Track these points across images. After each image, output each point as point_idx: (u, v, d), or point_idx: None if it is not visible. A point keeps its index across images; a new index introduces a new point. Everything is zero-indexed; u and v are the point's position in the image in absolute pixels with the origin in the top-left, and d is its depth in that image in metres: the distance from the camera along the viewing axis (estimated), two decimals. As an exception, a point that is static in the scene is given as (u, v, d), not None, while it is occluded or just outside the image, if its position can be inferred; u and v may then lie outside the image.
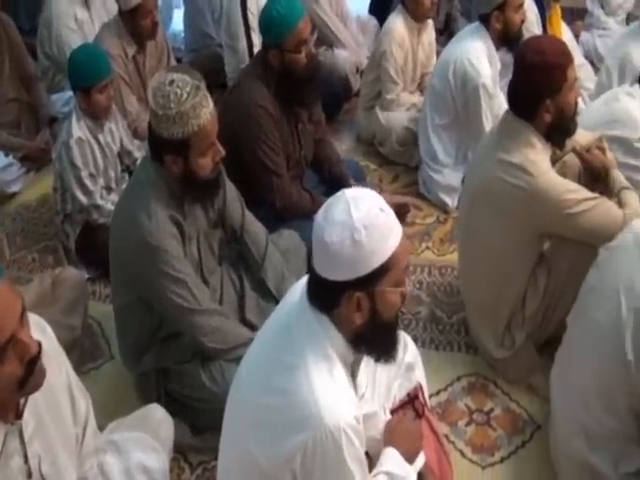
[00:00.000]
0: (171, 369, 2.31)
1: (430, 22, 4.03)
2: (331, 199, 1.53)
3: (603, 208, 2.33)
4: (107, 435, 1.86)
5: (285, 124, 2.88)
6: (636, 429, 1.96)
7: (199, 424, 2.33)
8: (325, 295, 1.53)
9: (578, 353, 2.10)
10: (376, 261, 1.47)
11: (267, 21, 2.77)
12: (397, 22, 3.84)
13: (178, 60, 4.25)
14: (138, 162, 2.84)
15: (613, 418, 1.96)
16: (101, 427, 1.86)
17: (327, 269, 1.51)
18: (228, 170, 2.37)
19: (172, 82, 2.01)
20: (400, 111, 3.93)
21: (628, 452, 1.98)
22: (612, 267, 2.03)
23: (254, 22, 3.43)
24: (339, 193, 1.53)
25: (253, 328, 2.29)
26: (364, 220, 1.46)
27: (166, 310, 2.21)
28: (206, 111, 2.03)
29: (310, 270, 1.57)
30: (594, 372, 1.99)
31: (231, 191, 2.44)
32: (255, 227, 2.51)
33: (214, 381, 2.21)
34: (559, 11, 4.32)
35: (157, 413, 1.98)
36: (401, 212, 3.42)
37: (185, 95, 1.99)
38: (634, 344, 1.87)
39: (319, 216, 1.52)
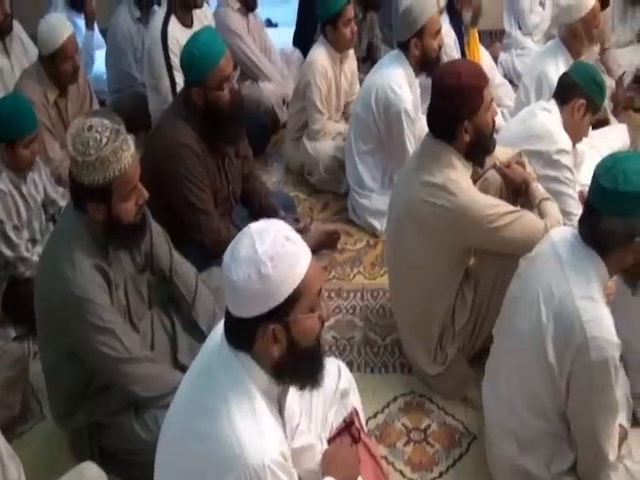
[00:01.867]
0: (104, 423, 2.25)
1: (351, 51, 4.09)
2: (238, 236, 1.52)
3: (525, 220, 2.40)
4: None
5: (211, 161, 2.87)
6: (564, 429, 2.03)
7: (136, 478, 2.25)
8: (240, 333, 1.52)
9: (505, 361, 2.17)
10: (286, 290, 1.47)
11: (188, 60, 2.78)
12: (319, 53, 3.89)
13: (101, 102, 4.21)
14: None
15: (541, 420, 2.04)
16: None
17: (238, 307, 1.50)
18: (153, 211, 2.34)
19: (91, 128, 1.97)
20: (327, 140, 3.98)
21: (559, 452, 2.06)
22: (532, 276, 2.09)
23: (176, 61, 3.41)
24: (245, 229, 1.52)
25: (186, 371, 2.24)
26: (269, 252, 1.46)
27: (95, 362, 2.15)
28: (127, 155, 2.00)
29: (226, 310, 1.55)
30: (520, 378, 2.07)
31: (158, 233, 2.40)
32: (184, 268, 2.48)
33: (148, 431, 2.15)
34: (476, 35, 4.45)
35: (91, 471, 1.92)
36: (332, 239, 3.48)
37: (105, 140, 1.96)
38: (555, 348, 1.94)
39: (226, 255, 1.51)
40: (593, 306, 1.91)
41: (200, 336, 2.39)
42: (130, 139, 2.04)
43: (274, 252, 1.46)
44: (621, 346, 1.91)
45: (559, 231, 2.15)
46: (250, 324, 1.49)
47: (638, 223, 1.87)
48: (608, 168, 1.89)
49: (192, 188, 2.78)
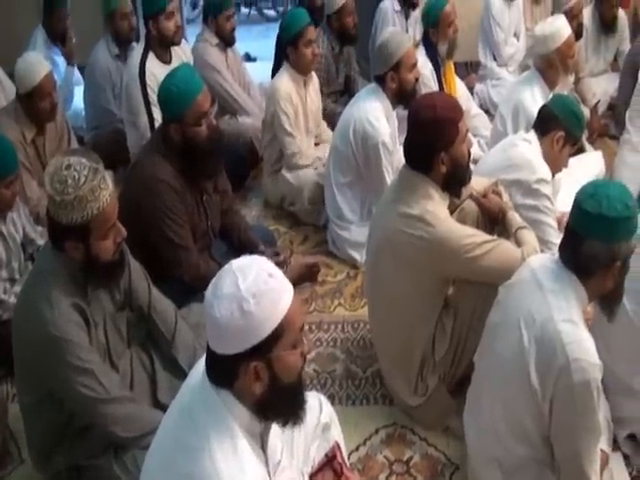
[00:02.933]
0: (83, 466, 2.21)
1: (314, 73, 4.13)
2: (220, 272, 1.53)
3: (502, 248, 2.43)
4: None
5: (189, 196, 2.86)
6: (548, 454, 2.04)
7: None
8: (222, 371, 1.51)
9: (487, 388, 2.19)
10: (269, 327, 1.47)
11: (166, 96, 2.78)
12: (282, 80, 3.95)
13: (80, 139, 4.20)
14: (41, 249, 2.76)
15: (525, 446, 2.05)
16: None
17: (220, 344, 1.49)
18: (132, 248, 2.33)
19: (69, 166, 1.96)
20: (306, 167, 3.99)
21: (542, 478, 2.07)
22: (512, 302, 2.12)
23: (154, 97, 3.43)
24: (227, 265, 1.53)
25: (166, 410, 2.21)
26: (252, 289, 1.46)
27: (74, 402, 2.12)
28: (105, 193, 1.99)
29: (207, 347, 1.54)
30: (503, 404, 2.08)
31: (136, 270, 2.39)
32: (163, 304, 2.46)
33: (128, 473, 2.12)
34: (452, 66, 4.52)
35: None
36: (312, 272, 3.48)
37: (83, 179, 1.95)
38: (537, 372, 1.96)
39: (208, 292, 1.51)
40: (574, 329, 1.94)
41: (180, 373, 2.37)
42: (108, 177, 2.03)
43: (257, 289, 1.46)
44: (602, 368, 1.93)
45: (538, 258, 2.20)
46: (232, 361, 1.48)
47: (620, 248, 1.93)
48: (591, 194, 1.94)
49: (170, 224, 2.77)
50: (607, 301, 2.09)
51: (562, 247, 2.04)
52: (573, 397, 1.91)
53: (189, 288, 2.74)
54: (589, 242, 1.93)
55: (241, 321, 1.45)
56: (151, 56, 3.76)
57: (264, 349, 1.48)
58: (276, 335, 1.48)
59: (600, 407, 1.97)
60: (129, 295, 2.36)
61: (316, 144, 4.23)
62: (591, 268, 1.96)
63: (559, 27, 3.66)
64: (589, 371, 1.89)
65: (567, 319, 1.94)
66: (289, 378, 1.54)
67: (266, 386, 1.50)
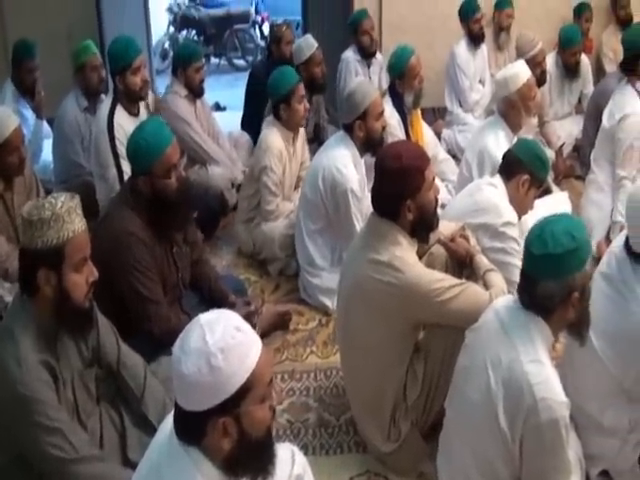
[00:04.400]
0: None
1: (302, 128, 4.17)
2: (187, 327, 1.52)
3: (470, 292, 2.46)
4: None
5: (159, 249, 2.85)
6: None
7: None
8: (190, 427, 1.50)
9: (457, 433, 2.20)
10: (237, 382, 1.46)
11: (135, 149, 2.80)
12: (273, 136, 3.94)
13: (48, 192, 4.15)
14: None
15: None
16: None
17: (188, 401, 1.48)
18: (101, 301, 2.32)
19: (45, 197, 2.06)
20: (280, 219, 4.00)
21: None
22: (479, 346, 2.14)
23: (122, 150, 3.43)
24: (194, 320, 1.52)
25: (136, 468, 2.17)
26: (220, 343, 1.45)
27: (43, 463, 2.08)
28: (80, 220, 2.06)
29: (175, 404, 1.52)
30: (474, 448, 2.10)
31: (104, 326, 2.37)
32: (132, 360, 2.43)
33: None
34: (419, 114, 4.60)
35: None
36: (284, 320, 3.48)
37: (60, 203, 2.03)
38: (506, 414, 1.98)
39: (176, 347, 1.50)
40: (540, 369, 1.96)
41: (150, 430, 2.32)
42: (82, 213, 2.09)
43: (224, 343, 1.45)
44: (570, 405, 1.96)
45: (502, 300, 2.23)
46: (200, 418, 1.47)
47: (574, 279, 1.96)
48: (537, 235, 1.99)
49: (140, 277, 2.75)
50: (575, 329, 2.12)
51: (519, 291, 2.08)
52: (542, 436, 1.93)
53: (159, 342, 2.71)
54: (542, 283, 1.97)
55: (209, 377, 1.44)
56: (119, 109, 3.76)
57: (233, 404, 1.46)
58: (245, 390, 1.47)
59: (570, 445, 2.00)
60: (97, 351, 2.33)
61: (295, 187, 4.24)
62: (550, 306, 2.00)
63: (518, 69, 3.78)
64: (556, 409, 1.92)
65: (533, 359, 1.97)
66: (258, 432, 1.52)
67: (235, 442, 1.49)
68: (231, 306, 3.04)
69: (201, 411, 1.46)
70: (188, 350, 1.46)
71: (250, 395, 1.48)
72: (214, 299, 3.08)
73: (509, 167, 3.12)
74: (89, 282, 2.12)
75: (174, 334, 2.81)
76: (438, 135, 5.36)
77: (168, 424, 1.58)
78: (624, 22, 6.00)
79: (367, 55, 5.51)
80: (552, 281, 1.96)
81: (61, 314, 2.09)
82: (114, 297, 2.68)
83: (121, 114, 3.75)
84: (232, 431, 1.47)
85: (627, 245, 2.47)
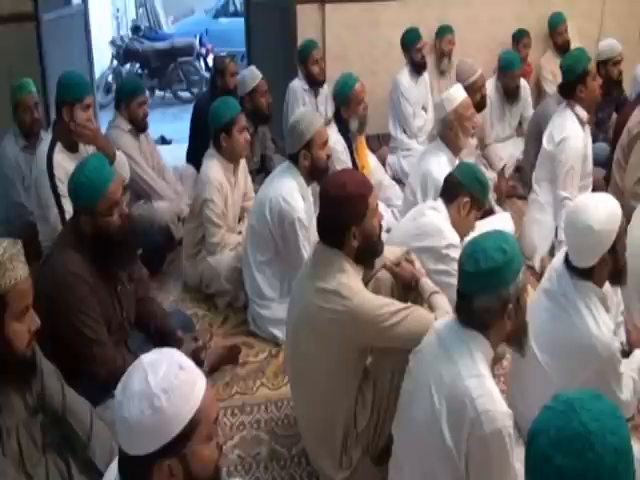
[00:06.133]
0: None
1: (243, 160, 4.15)
2: (129, 369, 1.49)
3: (415, 315, 2.48)
4: None
5: (103, 289, 2.80)
6: None
7: None
8: (135, 473, 1.46)
9: (406, 457, 2.22)
10: (182, 422, 1.43)
11: (76, 187, 2.75)
12: (213, 168, 3.91)
13: (-11, 234, 4.07)
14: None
15: None
16: None
17: (132, 445, 1.44)
18: (45, 344, 2.26)
19: None
20: (226, 252, 3.97)
21: None
22: (422, 367, 2.17)
23: (63, 189, 3.36)
24: (136, 361, 1.49)
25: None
26: (162, 384, 1.42)
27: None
28: (23, 267, 2.00)
29: (119, 449, 1.48)
30: (422, 470, 2.11)
31: (49, 370, 2.29)
32: (78, 405, 2.35)
33: None
34: (364, 140, 4.66)
35: None
36: (233, 354, 3.45)
37: (2, 249, 1.96)
38: (450, 430, 2.00)
39: (118, 391, 1.47)
40: (481, 382, 1.99)
41: (98, 476, 2.24)
42: (25, 261, 2.03)
43: (168, 383, 1.42)
44: (513, 415, 1.99)
45: (441, 321, 2.27)
46: (144, 462, 1.43)
47: (508, 291, 2.01)
48: (468, 254, 2.04)
49: (84, 318, 2.68)
50: (514, 340, 2.16)
51: (457, 309, 2.13)
52: (487, 448, 1.95)
53: (105, 384, 2.63)
54: (477, 299, 2.02)
55: (152, 419, 1.40)
56: (59, 147, 3.67)
57: (178, 445, 1.44)
58: (190, 429, 1.44)
59: (517, 457, 1.98)
60: (42, 398, 2.25)
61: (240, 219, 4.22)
62: (487, 320, 2.04)
63: (454, 91, 3.89)
64: (500, 420, 1.94)
65: (474, 374, 2.00)
66: (205, 472, 1.50)
67: None
68: (178, 343, 3.00)
69: (145, 455, 1.42)
70: (130, 393, 1.43)
71: (195, 434, 1.45)
72: (161, 337, 3.03)
73: (450, 190, 3.20)
74: (31, 330, 2.06)
75: (120, 375, 2.78)
76: (383, 161, 5.42)
77: (113, 470, 1.54)
78: (562, 48, 6.19)
79: (316, 84, 5.56)
80: (487, 296, 2.01)
81: (2, 364, 2.03)
82: (59, 339, 2.61)
83: (61, 153, 3.67)
84: (178, 473, 1.44)
85: (567, 260, 2.56)
